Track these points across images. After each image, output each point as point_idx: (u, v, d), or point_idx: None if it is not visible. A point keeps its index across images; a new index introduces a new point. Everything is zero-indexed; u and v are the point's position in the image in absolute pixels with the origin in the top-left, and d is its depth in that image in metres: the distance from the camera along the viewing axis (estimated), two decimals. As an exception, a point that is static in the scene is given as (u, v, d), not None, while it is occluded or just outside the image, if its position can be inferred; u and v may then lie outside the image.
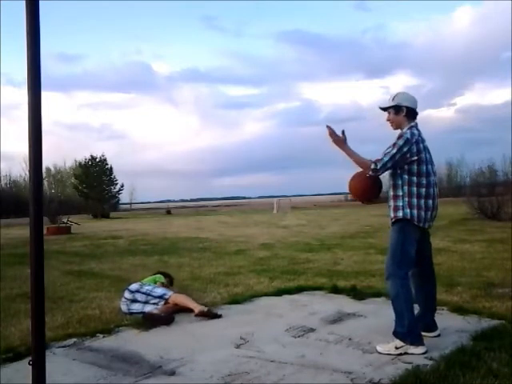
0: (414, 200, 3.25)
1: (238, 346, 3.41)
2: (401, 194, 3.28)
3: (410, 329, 3.15)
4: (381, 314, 4.02)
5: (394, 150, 3.22)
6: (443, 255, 8.15)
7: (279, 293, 5.21)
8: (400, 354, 3.09)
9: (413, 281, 3.43)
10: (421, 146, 3.29)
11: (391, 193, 3.34)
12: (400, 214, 3.25)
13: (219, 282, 6.05)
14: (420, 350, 3.11)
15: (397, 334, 3.18)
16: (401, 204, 3.27)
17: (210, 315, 4.19)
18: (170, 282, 5.08)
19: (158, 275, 5.00)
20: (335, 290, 5.20)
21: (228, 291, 5.42)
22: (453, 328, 3.63)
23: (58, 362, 3.16)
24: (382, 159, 3.23)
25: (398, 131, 3.42)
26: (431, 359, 2.96)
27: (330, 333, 3.65)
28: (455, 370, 2.69)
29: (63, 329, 3.95)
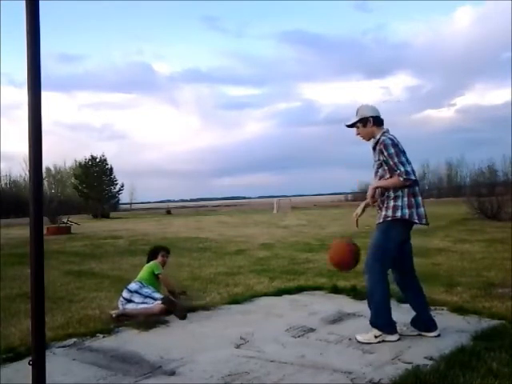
0: (412, 199, 3.34)
1: (238, 346, 3.41)
2: (400, 194, 3.34)
3: (387, 321, 3.39)
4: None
5: (396, 159, 3.30)
6: (443, 255, 8.16)
7: (279, 293, 5.21)
8: (378, 342, 3.31)
9: (399, 281, 3.59)
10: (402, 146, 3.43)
11: (391, 193, 3.37)
12: (399, 213, 3.32)
13: (219, 282, 6.05)
14: (395, 337, 3.37)
15: (375, 325, 3.39)
16: (400, 204, 3.33)
17: (176, 309, 4.22)
18: (166, 256, 5.04)
19: (153, 264, 4.88)
20: (335, 290, 5.20)
21: (228, 291, 5.42)
22: (453, 328, 3.63)
23: (58, 362, 3.16)
24: (402, 171, 3.27)
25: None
26: (431, 359, 2.97)
27: (330, 333, 3.65)
28: (455, 370, 2.69)
29: (63, 329, 3.95)
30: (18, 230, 19.43)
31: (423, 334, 3.42)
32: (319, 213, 32.13)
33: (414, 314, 3.58)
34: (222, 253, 9.63)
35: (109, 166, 52.44)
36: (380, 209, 3.45)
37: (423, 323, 3.49)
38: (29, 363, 1.92)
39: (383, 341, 3.33)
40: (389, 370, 2.82)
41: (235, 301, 4.87)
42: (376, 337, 3.34)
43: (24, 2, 1.89)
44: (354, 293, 5.01)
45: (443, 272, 6.37)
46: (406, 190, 3.33)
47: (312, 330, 3.76)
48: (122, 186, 54.08)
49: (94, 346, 3.53)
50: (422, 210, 3.36)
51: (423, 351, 3.13)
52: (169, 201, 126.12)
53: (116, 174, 53.12)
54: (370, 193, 3.45)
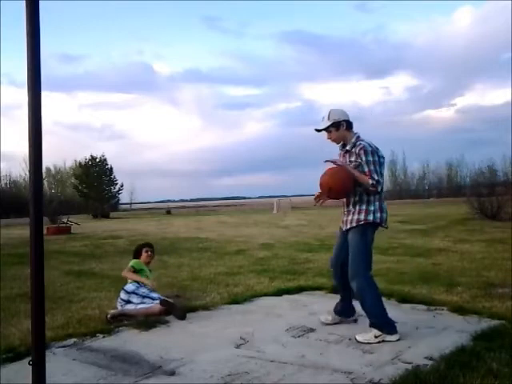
0: (381, 203, 3.54)
1: (238, 346, 3.41)
2: (372, 199, 3.50)
3: (386, 320, 3.44)
4: (381, 314, 4.02)
5: (372, 167, 3.43)
6: (443, 255, 8.16)
7: (279, 293, 5.21)
8: (378, 342, 3.33)
9: (339, 273, 3.76)
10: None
11: (364, 197, 3.50)
12: (371, 217, 3.47)
13: (219, 282, 6.05)
14: (395, 337, 3.39)
15: (375, 326, 3.42)
16: (372, 208, 3.49)
17: (175, 309, 4.20)
18: (150, 250, 5.02)
19: (135, 262, 4.80)
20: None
21: (228, 291, 5.42)
22: (453, 328, 3.63)
23: (58, 362, 3.16)
24: (375, 179, 3.41)
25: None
26: (431, 359, 2.96)
27: (330, 333, 3.65)
28: (455, 370, 2.69)
29: (63, 329, 3.95)
30: (18, 230, 19.43)
31: (343, 319, 3.83)
32: (319, 213, 32.12)
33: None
34: (222, 253, 9.63)
35: (109, 166, 52.47)
36: (348, 212, 3.56)
37: (346, 311, 3.86)
38: (29, 363, 1.93)
39: (383, 341, 3.35)
40: (389, 370, 2.82)
41: (235, 301, 4.87)
42: (376, 337, 3.38)
43: (24, 2, 1.89)
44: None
45: (443, 272, 6.37)
46: (377, 195, 3.49)
47: (312, 330, 3.76)
48: (122, 186, 54.12)
49: (94, 345, 3.53)
50: (385, 215, 3.55)
51: (423, 351, 3.12)
52: (169, 201, 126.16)
53: (116, 174, 53.19)
54: (343, 161, 3.51)
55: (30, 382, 1.92)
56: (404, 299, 4.63)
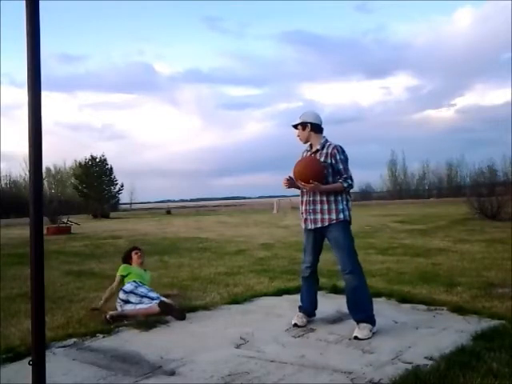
0: (348, 202, 3.74)
1: (238, 346, 3.41)
2: (340, 198, 3.68)
3: (373, 313, 3.62)
4: (381, 314, 4.01)
5: (346, 165, 3.67)
6: (443, 255, 8.16)
7: (279, 293, 5.21)
8: (370, 338, 3.45)
9: (312, 270, 3.92)
10: None
11: (331, 197, 3.66)
12: (342, 216, 3.66)
13: (219, 282, 6.05)
14: (375, 329, 3.58)
15: (366, 320, 3.55)
16: (341, 207, 3.67)
17: (173, 310, 4.20)
18: (139, 252, 5.02)
19: (121, 269, 4.80)
20: (335, 290, 5.19)
21: (228, 291, 5.42)
22: (453, 328, 3.63)
23: (58, 362, 3.16)
24: (349, 177, 3.64)
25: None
26: (431, 359, 2.96)
27: (330, 333, 3.65)
28: (455, 370, 2.69)
29: (63, 329, 3.95)
30: (18, 230, 19.43)
31: (310, 319, 3.93)
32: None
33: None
34: (222, 253, 9.63)
35: (109, 166, 52.39)
36: (314, 211, 3.70)
37: (313, 310, 3.99)
38: (29, 363, 1.93)
39: (373, 333, 3.51)
40: (389, 370, 2.82)
41: (235, 301, 4.87)
42: (371, 331, 3.52)
43: (24, 2, 1.89)
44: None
45: (443, 272, 6.37)
46: (345, 195, 3.70)
47: (312, 330, 3.76)
48: (122, 186, 54.02)
49: (94, 345, 3.53)
50: (351, 213, 3.76)
51: (423, 351, 3.12)
52: (169, 201, 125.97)
53: (116, 174, 53.07)
54: (313, 187, 3.62)
55: (30, 382, 1.92)
56: (404, 299, 4.63)
